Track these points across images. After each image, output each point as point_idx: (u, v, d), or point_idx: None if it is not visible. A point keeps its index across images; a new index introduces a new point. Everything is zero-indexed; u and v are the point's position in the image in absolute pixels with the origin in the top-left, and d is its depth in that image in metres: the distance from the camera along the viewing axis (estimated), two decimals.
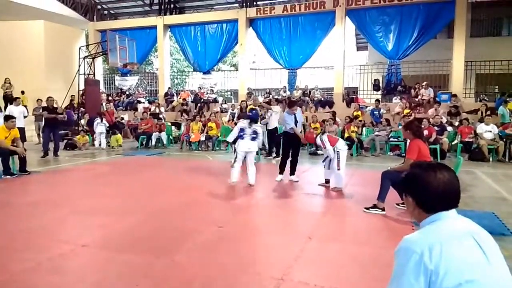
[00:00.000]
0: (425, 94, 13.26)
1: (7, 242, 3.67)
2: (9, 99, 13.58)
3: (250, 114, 6.99)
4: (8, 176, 6.98)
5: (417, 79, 14.34)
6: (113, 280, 2.91)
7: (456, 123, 11.15)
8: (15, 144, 7.34)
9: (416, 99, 13.31)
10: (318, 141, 6.24)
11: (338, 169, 5.91)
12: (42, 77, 15.77)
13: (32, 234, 3.93)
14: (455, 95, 12.97)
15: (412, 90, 13.87)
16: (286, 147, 7.05)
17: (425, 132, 10.05)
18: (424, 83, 13.52)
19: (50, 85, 15.41)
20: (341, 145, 6.07)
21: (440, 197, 1.35)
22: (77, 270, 3.14)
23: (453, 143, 10.44)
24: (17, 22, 15.45)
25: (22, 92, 14.28)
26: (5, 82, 14.71)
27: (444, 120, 11.30)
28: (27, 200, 5.41)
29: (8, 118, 7.54)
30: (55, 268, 3.12)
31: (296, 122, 6.81)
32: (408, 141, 5.09)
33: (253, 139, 6.41)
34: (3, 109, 12.21)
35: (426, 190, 1.36)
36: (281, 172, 6.92)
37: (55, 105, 11.17)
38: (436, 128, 10.19)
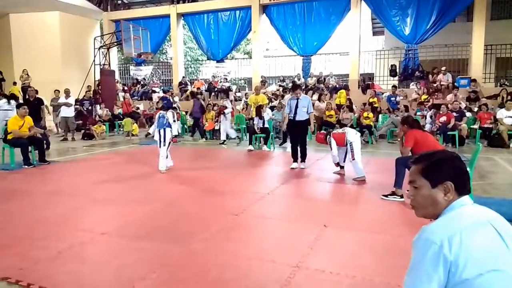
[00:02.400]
0: (443, 79, 12.95)
1: (28, 231, 3.77)
2: (25, 91, 13.84)
3: (165, 102, 7.20)
4: (26, 167, 7.14)
5: (435, 64, 14.00)
6: (131, 267, 2.97)
7: (475, 109, 10.89)
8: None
9: (434, 85, 13.01)
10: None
11: (353, 159, 5.83)
12: (58, 68, 15.99)
13: (52, 223, 4.03)
14: (474, 80, 12.63)
15: (430, 76, 13.55)
16: (290, 135, 7.00)
17: (444, 118, 9.88)
18: (443, 68, 13.19)
19: (66, 76, 15.64)
20: (352, 136, 5.91)
21: (468, 177, 1.38)
22: (97, 258, 3.21)
23: (473, 128, 10.22)
24: (33, 14, 15.64)
25: (14, 83, 14.50)
26: (22, 73, 15.01)
27: (463, 105, 11.04)
28: (47, 190, 5.54)
29: (19, 105, 7.67)
30: (76, 255, 3.20)
31: (296, 108, 6.63)
32: None
33: (163, 125, 6.62)
34: (21, 100, 12.46)
35: (462, 170, 1.36)
36: (294, 160, 6.88)
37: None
38: (454, 114, 9.97)
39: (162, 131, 6.59)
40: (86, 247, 3.40)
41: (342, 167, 6.23)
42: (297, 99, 6.67)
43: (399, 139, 5.06)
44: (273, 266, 2.96)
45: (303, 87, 14.82)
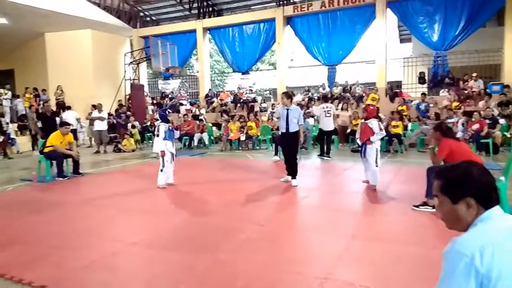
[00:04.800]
0: (475, 85, 12.55)
1: (62, 241, 3.91)
2: (61, 106, 14.46)
3: (163, 114, 6.73)
4: (61, 179, 7.42)
5: (466, 70, 13.61)
6: (160, 277, 3.02)
7: (508, 111, 10.43)
8: (69, 148, 7.80)
9: (465, 91, 12.63)
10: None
11: (377, 166, 5.78)
12: (91, 84, 16.62)
13: (85, 233, 4.16)
14: (507, 86, 12.15)
15: (461, 82, 13.17)
16: (282, 147, 6.72)
17: (476, 126, 9.56)
18: (474, 75, 12.80)
19: (98, 91, 16.23)
20: (377, 141, 5.90)
21: (493, 188, 1.33)
22: (127, 268, 3.29)
23: (507, 135, 9.82)
24: (67, 33, 16.39)
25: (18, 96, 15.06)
26: (57, 90, 15.69)
27: (496, 112, 10.64)
28: (80, 201, 5.73)
29: (62, 124, 8.03)
30: (108, 265, 3.29)
31: (287, 119, 6.25)
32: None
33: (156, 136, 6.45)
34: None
35: (483, 182, 1.32)
36: (288, 173, 6.49)
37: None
38: (487, 121, 9.63)
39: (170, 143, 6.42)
40: (117, 257, 3.49)
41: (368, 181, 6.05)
42: (287, 109, 6.33)
43: (430, 147, 4.88)
44: (300, 278, 2.93)
45: (329, 96, 14.77)
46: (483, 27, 14.44)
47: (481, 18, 13.23)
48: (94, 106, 13.62)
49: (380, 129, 5.86)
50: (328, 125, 9.53)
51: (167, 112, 6.76)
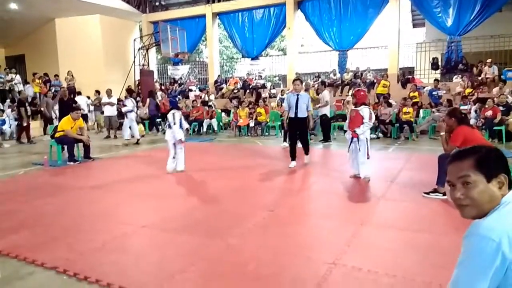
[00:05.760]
0: (489, 72, 12.27)
1: (75, 224, 3.97)
2: (72, 92, 14.53)
3: (173, 101, 6.74)
4: (72, 163, 7.50)
5: (480, 56, 13.29)
6: (170, 259, 3.05)
7: None
8: (80, 133, 7.87)
9: (479, 78, 12.36)
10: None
11: (368, 158, 5.57)
12: (101, 69, 16.67)
13: (97, 216, 4.22)
14: None
15: (475, 68, 12.88)
16: (290, 132, 6.86)
17: (490, 113, 9.39)
18: (488, 60, 12.50)
19: (108, 77, 16.26)
20: (368, 130, 5.60)
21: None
22: (138, 250, 3.33)
23: None
24: (76, 18, 16.37)
25: (33, 81, 15.11)
26: (67, 75, 15.77)
27: (510, 99, 10.42)
28: (91, 185, 5.80)
29: (73, 109, 8.09)
30: (119, 247, 3.33)
31: (297, 104, 6.39)
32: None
33: (168, 126, 6.36)
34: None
35: (507, 163, 1.27)
36: (293, 159, 6.64)
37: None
38: (501, 108, 9.45)
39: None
40: (129, 240, 3.53)
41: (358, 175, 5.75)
42: (298, 95, 6.43)
43: (441, 134, 4.70)
44: (309, 263, 2.94)
45: (339, 82, 14.59)
46: (499, 11, 14.01)
47: (497, 2, 12.84)
48: (98, 92, 13.64)
49: (370, 118, 5.54)
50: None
51: (177, 99, 6.78)
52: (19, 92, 13.07)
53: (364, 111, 5.53)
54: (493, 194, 1.24)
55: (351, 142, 5.65)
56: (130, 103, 10.93)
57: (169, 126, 6.36)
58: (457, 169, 1.30)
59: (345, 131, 6.60)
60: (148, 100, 13.39)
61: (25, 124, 11.30)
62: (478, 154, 1.28)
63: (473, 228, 1.20)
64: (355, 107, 5.67)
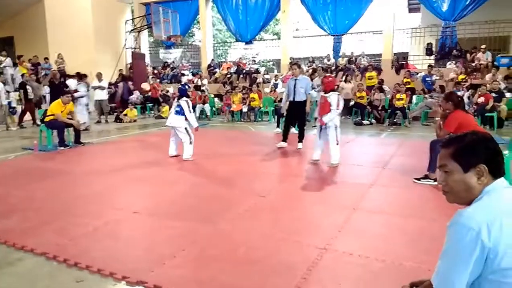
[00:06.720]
0: (483, 58, 12.27)
1: (65, 209, 3.93)
2: (62, 75, 14.28)
3: (183, 89, 6.63)
4: (62, 148, 7.41)
5: (474, 42, 13.25)
6: (162, 244, 3.05)
7: None
8: (70, 117, 7.76)
9: (473, 64, 12.36)
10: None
11: (338, 144, 5.56)
12: (92, 52, 16.33)
13: (88, 201, 4.19)
14: None
15: (468, 54, 12.87)
16: (286, 114, 6.96)
17: (482, 99, 9.42)
18: (482, 47, 12.48)
19: (99, 60, 15.95)
20: (337, 117, 5.54)
21: (502, 158, 1.29)
22: (129, 235, 3.32)
23: None
24: None
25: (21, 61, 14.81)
26: (58, 58, 15.47)
27: (503, 86, 10.45)
28: (82, 170, 5.75)
29: (64, 93, 7.95)
30: (110, 233, 3.32)
31: (295, 88, 6.55)
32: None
33: (177, 113, 6.13)
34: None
35: (495, 151, 1.28)
36: (284, 140, 6.93)
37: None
38: (493, 94, 9.49)
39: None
40: (120, 225, 3.52)
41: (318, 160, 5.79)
42: (295, 79, 6.56)
43: (436, 119, 4.66)
44: (300, 247, 2.95)
45: (333, 68, 14.50)
46: None
47: None
48: (85, 76, 12.97)
49: (338, 106, 5.43)
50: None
51: (186, 87, 6.76)
52: (22, 75, 12.85)
53: (332, 98, 5.44)
54: (469, 184, 1.27)
55: (321, 129, 5.63)
56: (82, 88, 10.35)
57: (178, 113, 6.15)
58: (441, 156, 1.35)
59: (315, 118, 6.58)
60: (120, 84, 13.22)
61: (23, 108, 11.15)
62: (459, 144, 1.30)
63: (456, 217, 1.21)
64: (324, 93, 5.57)
